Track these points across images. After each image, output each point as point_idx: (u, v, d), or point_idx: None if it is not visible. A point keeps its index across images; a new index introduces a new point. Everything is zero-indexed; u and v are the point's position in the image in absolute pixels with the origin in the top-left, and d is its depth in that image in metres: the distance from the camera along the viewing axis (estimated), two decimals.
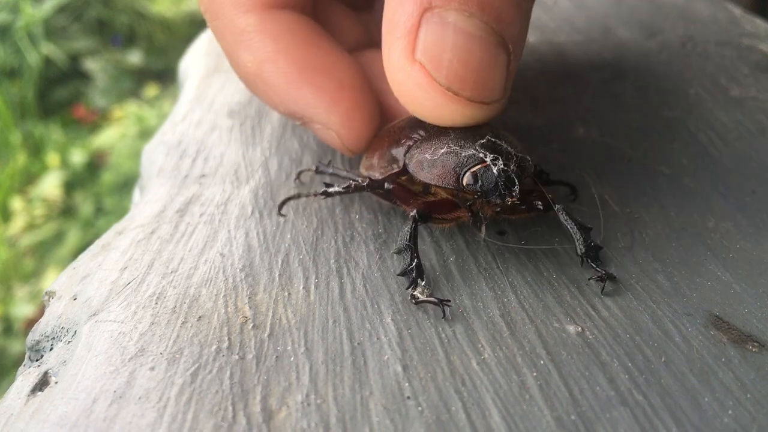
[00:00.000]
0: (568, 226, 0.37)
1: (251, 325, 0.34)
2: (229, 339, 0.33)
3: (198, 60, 0.66)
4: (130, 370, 0.31)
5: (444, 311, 0.34)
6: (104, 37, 2.63)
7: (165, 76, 2.42)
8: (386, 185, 0.40)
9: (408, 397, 0.29)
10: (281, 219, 0.41)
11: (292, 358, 0.31)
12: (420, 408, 0.29)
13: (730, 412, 0.28)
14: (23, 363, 0.36)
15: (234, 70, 0.44)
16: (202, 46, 0.69)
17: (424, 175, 0.38)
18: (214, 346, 0.32)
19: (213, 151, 0.49)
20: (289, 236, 0.40)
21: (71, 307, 0.36)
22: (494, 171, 0.35)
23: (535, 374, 0.30)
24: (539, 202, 0.38)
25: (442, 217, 0.39)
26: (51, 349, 0.35)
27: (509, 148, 0.37)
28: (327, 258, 0.38)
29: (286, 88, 0.42)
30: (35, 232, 1.92)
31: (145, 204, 0.44)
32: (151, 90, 2.40)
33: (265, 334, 0.33)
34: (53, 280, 0.39)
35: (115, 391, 0.30)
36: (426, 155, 0.38)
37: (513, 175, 0.35)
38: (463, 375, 0.30)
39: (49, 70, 2.48)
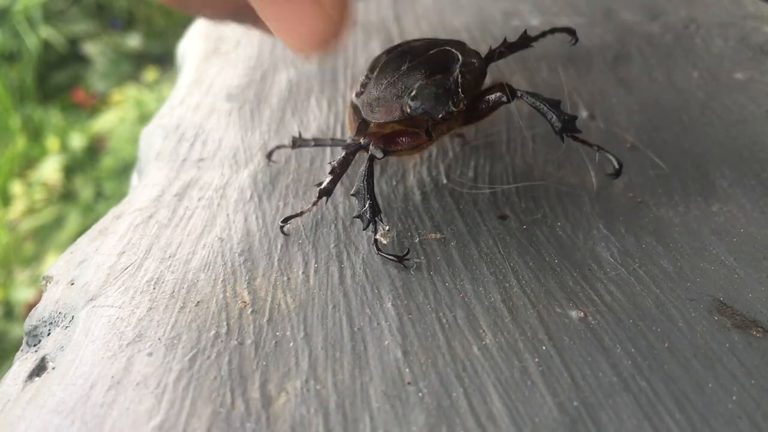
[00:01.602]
0: (538, 107, 0.36)
1: (250, 310, 0.33)
2: (227, 324, 0.32)
3: (196, 43, 0.65)
4: (127, 356, 0.31)
5: (405, 265, 0.34)
6: (103, 20, 2.61)
7: (164, 59, 2.41)
8: (362, 141, 0.38)
9: (408, 383, 0.29)
10: (281, 203, 0.41)
11: (291, 344, 0.31)
12: (420, 394, 0.28)
13: (734, 397, 0.28)
14: (20, 348, 0.35)
15: None
16: (200, 29, 0.68)
17: (375, 116, 0.38)
18: (213, 332, 0.32)
19: (211, 135, 0.48)
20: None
21: (69, 292, 0.36)
22: (432, 88, 0.35)
23: (537, 360, 0.30)
24: (500, 94, 0.37)
25: (404, 147, 0.38)
26: (48, 335, 0.35)
27: (449, 56, 0.36)
28: (327, 243, 0.37)
29: None
30: (35, 216, 1.92)
31: (143, 188, 0.43)
32: (150, 74, 2.39)
33: (264, 320, 0.33)
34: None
35: (112, 377, 0.30)
36: (371, 95, 0.38)
37: (453, 84, 0.35)
38: (464, 360, 0.30)
39: (48, 54, 2.47)
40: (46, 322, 0.35)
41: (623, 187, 0.40)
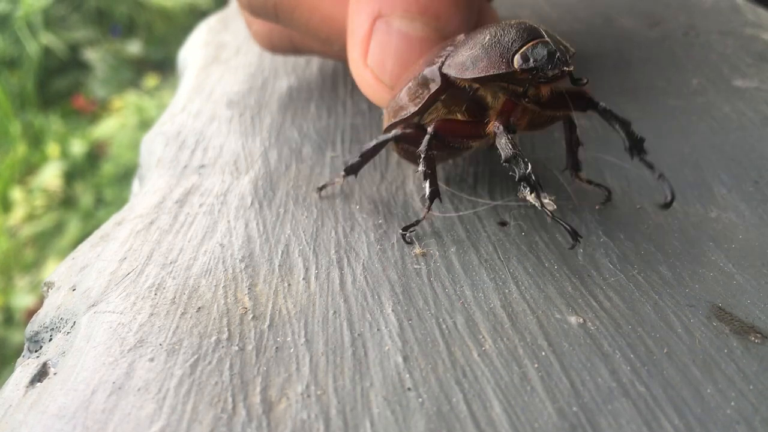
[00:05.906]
0: (612, 123, 0.38)
1: (251, 316, 0.33)
2: (228, 330, 0.33)
3: (197, 50, 0.66)
4: (129, 361, 0.31)
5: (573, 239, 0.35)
6: (103, 26, 2.62)
7: (165, 66, 2.42)
8: (428, 129, 0.38)
9: (409, 389, 0.29)
10: (281, 210, 0.41)
11: (292, 349, 0.31)
12: (421, 399, 0.28)
13: (732, 403, 0.28)
14: (22, 354, 0.36)
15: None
16: (201, 35, 0.69)
17: (471, 72, 0.37)
18: (214, 337, 0.32)
19: (212, 142, 0.49)
20: (288, 227, 0.39)
21: (70, 298, 0.36)
22: (544, 46, 0.35)
23: (536, 365, 0.30)
24: (580, 98, 0.38)
25: (460, 141, 0.39)
26: (50, 340, 0.35)
27: (547, 32, 0.37)
28: (327, 248, 0.38)
29: None
30: (35, 222, 1.92)
31: (144, 194, 0.44)
32: (150, 80, 2.40)
33: (265, 325, 0.33)
34: (53, 271, 0.39)
35: (114, 383, 0.30)
36: (467, 54, 0.37)
37: (562, 47, 0.36)
38: (464, 366, 0.30)
39: (48, 60, 2.47)
40: (47, 327, 0.35)
41: (622, 194, 0.41)
